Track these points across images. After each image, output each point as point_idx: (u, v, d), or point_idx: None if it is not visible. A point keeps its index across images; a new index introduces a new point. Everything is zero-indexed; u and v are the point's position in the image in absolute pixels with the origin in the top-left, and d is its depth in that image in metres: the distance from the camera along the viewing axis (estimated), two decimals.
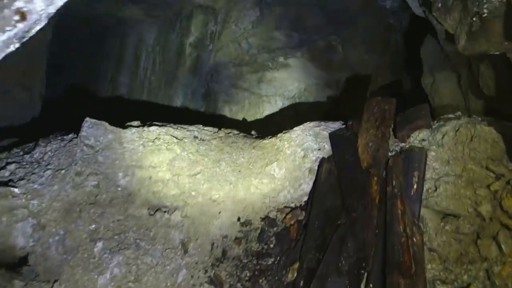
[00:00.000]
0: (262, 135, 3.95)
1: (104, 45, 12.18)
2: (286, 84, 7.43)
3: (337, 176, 3.09)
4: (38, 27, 1.93)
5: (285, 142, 3.55)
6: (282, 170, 3.39)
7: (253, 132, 4.11)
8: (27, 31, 1.90)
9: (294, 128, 3.65)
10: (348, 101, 6.89)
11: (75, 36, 13.13)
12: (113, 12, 9.24)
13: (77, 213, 2.84)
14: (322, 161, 3.28)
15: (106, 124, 3.32)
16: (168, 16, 8.80)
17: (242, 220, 3.17)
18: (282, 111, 7.07)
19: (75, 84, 12.64)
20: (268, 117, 6.98)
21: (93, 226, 2.83)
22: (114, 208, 2.97)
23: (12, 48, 1.93)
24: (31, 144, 3.35)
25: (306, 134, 3.55)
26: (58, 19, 8.73)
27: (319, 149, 3.43)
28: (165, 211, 3.09)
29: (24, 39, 1.93)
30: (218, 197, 3.25)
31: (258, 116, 6.98)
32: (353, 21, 7.86)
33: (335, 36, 8.00)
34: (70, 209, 2.83)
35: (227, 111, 7.08)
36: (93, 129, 3.22)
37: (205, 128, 3.92)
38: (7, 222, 2.57)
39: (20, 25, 1.83)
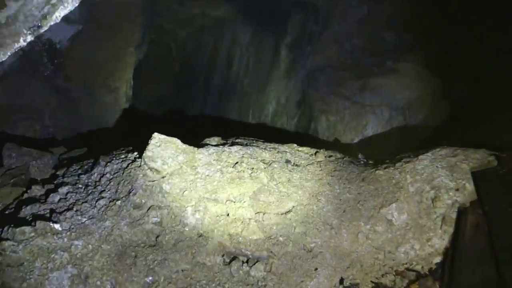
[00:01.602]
0: (373, 161, 3.06)
1: (200, 46, 11.92)
2: (394, 92, 6.39)
3: (489, 235, 2.12)
4: None
5: (408, 175, 2.63)
6: (403, 215, 2.48)
7: (360, 156, 3.24)
8: None
9: (420, 157, 2.72)
10: (476, 119, 5.71)
11: (171, 37, 13.05)
12: (208, 11, 8.80)
13: (132, 259, 2.18)
14: (464, 210, 2.32)
15: (178, 141, 2.66)
16: (264, 15, 8.16)
17: (346, 284, 2.31)
18: (389, 124, 6.05)
19: (169, 88, 12.57)
20: (373, 132, 5.99)
21: (151, 278, 2.16)
22: (179, 253, 2.28)
23: None
24: (91, 161, 2.79)
25: (437, 166, 2.61)
26: (150, 20, 8.50)
27: (457, 190, 2.47)
28: (243, 262, 2.33)
29: None
30: (314, 247, 2.43)
31: (360, 130, 6.02)
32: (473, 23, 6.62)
33: (453, 39, 6.81)
34: (123, 254, 2.19)
35: (324, 122, 6.21)
36: (160, 148, 2.57)
37: (300, 148, 3.13)
38: (40, 270, 1.99)
39: None
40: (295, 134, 6.48)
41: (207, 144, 2.88)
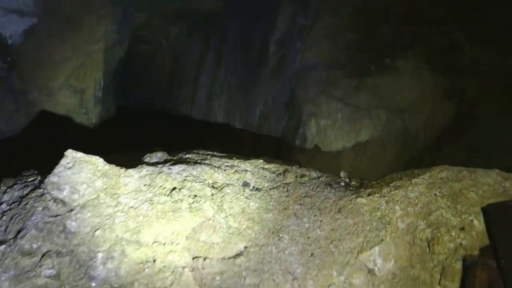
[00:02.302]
0: (357, 183, 2.43)
1: (190, 43, 11.34)
2: (392, 93, 5.77)
3: None
4: None
5: (397, 206, 2.01)
6: (390, 262, 1.86)
7: (342, 175, 2.61)
8: None
9: (414, 180, 2.10)
10: (482, 122, 5.07)
11: (161, 35, 12.46)
12: (197, 7, 8.20)
13: None
14: (473, 262, 1.70)
15: (99, 161, 2.05)
16: (253, 9, 7.55)
17: None
18: (386, 129, 5.42)
19: (160, 88, 12.02)
20: (368, 137, 5.36)
21: None
22: None
23: None
24: None
25: (435, 194, 1.99)
26: (136, 19, 7.90)
27: (462, 229, 1.84)
28: None
29: None
30: None
31: (353, 135, 5.39)
32: (485, 13, 5.98)
33: (461, 32, 6.18)
34: None
35: (313, 126, 5.59)
36: (72, 171, 1.96)
37: (267, 166, 2.52)
38: None
39: None
40: (279, 140, 5.88)
41: (144, 163, 2.26)
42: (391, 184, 2.17)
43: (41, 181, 2.01)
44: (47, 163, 2.25)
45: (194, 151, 2.64)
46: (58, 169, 1.95)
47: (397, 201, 2.03)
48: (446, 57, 6.04)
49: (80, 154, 2.04)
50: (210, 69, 9.93)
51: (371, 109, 5.65)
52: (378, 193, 2.12)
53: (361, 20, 5.66)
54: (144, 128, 7.30)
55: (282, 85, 6.35)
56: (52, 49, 4.77)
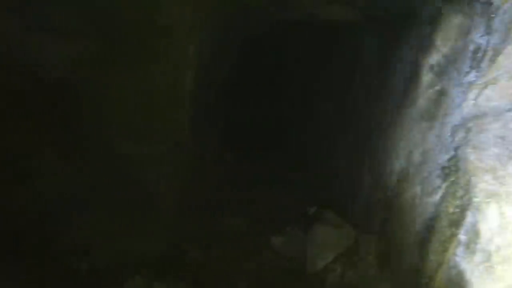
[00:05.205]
0: None
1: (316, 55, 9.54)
2: None
3: None
4: None
5: None
6: None
7: None
8: None
9: None
10: None
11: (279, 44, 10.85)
12: (317, 12, 6.30)
13: None
14: None
15: None
16: (396, 19, 5.43)
17: None
18: None
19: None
20: None
21: None
22: None
23: None
24: None
25: None
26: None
27: None
28: None
29: None
30: None
31: None
32: None
33: None
34: None
35: (494, 215, 3.31)
36: None
37: None
38: None
39: None
40: (427, 225, 3.69)
41: None
42: None
43: None
44: None
45: None
46: None
47: None
48: None
49: None
50: (336, 93, 8.00)
51: None
52: None
53: None
54: None
55: (438, 136, 4.14)
56: None
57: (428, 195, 4.07)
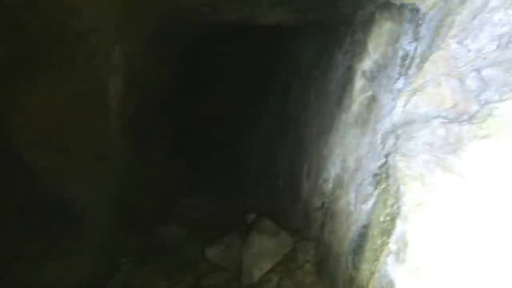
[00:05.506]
0: None
1: (261, 61, 9.42)
2: None
3: None
4: None
5: None
6: None
7: None
8: None
9: None
10: None
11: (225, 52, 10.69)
12: (256, 16, 6.17)
13: None
14: None
15: None
16: (336, 24, 5.39)
17: None
18: None
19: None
20: None
21: None
22: None
23: None
24: None
25: None
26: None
27: None
28: None
29: None
30: None
31: None
32: None
33: None
34: None
35: (422, 222, 3.28)
36: None
37: None
38: None
39: None
40: (360, 233, 3.62)
41: None
42: None
43: None
44: None
45: None
46: None
47: None
48: None
49: None
50: (276, 102, 7.91)
51: None
52: None
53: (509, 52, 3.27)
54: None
55: (370, 143, 4.11)
56: None
57: (361, 202, 4.01)
